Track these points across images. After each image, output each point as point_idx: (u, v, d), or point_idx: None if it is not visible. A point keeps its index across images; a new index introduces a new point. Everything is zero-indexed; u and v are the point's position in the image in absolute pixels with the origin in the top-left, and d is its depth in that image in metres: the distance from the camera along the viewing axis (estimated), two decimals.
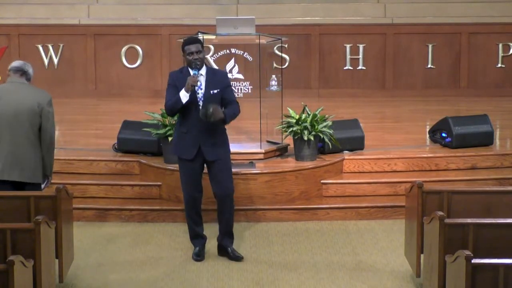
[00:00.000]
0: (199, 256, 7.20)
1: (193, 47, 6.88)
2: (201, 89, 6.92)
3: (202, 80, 6.93)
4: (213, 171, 7.04)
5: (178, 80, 6.94)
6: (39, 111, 6.53)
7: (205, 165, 7.12)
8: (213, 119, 6.76)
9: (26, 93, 6.57)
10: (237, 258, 7.13)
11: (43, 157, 6.64)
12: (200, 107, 6.87)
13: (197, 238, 7.27)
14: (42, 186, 6.73)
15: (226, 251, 7.16)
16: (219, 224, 7.20)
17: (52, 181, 8.33)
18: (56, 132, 11.01)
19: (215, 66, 11.60)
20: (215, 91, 6.94)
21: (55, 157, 6.82)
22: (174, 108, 6.91)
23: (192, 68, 6.88)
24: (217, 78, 7.03)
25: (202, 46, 6.95)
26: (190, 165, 7.01)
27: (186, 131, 6.97)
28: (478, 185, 8.44)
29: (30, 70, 6.69)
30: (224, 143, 7.07)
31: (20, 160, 6.52)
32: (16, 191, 6.47)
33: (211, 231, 7.53)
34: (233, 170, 7.35)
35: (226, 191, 7.05)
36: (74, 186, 8.31)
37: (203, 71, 6.96)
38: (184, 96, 6.81)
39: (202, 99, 6.92)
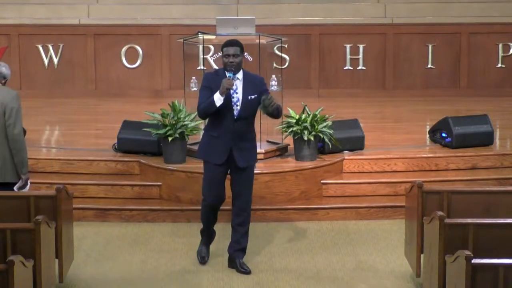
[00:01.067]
0: (203, 257, 7.12)
1: (231, 50, 6.69)
2: (236, 93, 6.70)
3: (238, 85, 6.71)
4: (237, 179, 6.84)
5: (213, 82, 6.69)
6: (3, 111, 6.50)
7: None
8: (273, 105, 6.56)
9: None
10: (243, 272, 6.89)
11: (13, 156, 6.58)
12: (235, 112, 6.69)
13: (208, 236, 7.14)
14: (15, 186, 6.62)
15: (234, 262, 6.95)
16: (233, 235, 6.96)
17: (52, 181, 8.39)
18: (56, 132, 11.11)
19: (215, 66, 11.63)
20: (253, 96, 6.73)
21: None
22: (207, 111, 6.68)
23: (227, 71, 6.69)
24: (255, 83, 6.82)
25: (242, 50, 6.74)
26: (217, 169, 6.81)
27: (217, 135, 6.75)
28: (478, 185, 8.43)
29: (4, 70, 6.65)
30: (254, 149, 6.92)
31: None
32: (16, 191, 6.47)
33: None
34: None
35: (246, 204, 6.87)
36: (74, 186, 8.30)
37: (240, 75, 6.73)
38: (218, 99, 6.57)
39: (238, 104, 6.71)
